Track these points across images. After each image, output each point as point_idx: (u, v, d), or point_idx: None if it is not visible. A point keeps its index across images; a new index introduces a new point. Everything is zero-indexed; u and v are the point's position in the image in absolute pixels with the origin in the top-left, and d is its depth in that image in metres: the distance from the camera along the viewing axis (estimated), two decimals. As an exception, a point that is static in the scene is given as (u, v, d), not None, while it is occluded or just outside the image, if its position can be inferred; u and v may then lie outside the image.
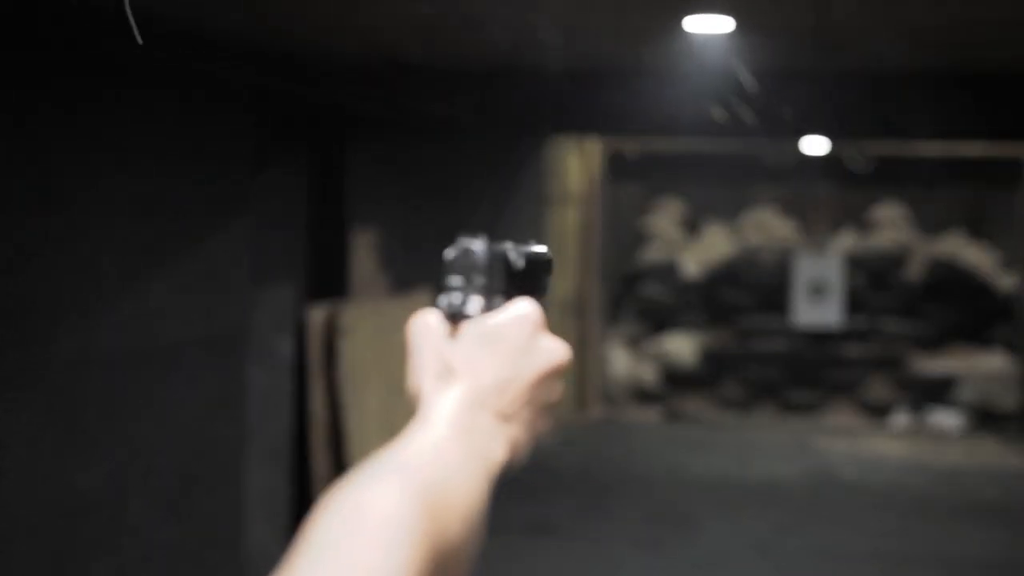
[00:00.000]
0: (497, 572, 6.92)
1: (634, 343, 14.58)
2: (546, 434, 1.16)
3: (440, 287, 1.14)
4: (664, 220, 15.20)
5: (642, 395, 14.07)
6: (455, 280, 1.14)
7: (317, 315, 5.80)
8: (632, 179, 14.61)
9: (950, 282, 13.89)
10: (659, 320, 14.66)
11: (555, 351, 1.15)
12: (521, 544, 7.59)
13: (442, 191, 6.94)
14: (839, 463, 11.06)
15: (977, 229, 14.71)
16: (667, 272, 14.72)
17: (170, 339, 4.91)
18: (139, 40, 2.87)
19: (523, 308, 1.14)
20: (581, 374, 13.48)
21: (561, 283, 12.42)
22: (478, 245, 1.15)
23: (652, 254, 15.05)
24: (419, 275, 7.20)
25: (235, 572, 5.47)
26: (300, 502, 5.72)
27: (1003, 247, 14.24)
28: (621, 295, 14.89)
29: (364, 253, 6.57)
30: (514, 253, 1.19)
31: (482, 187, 8.44)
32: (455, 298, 1.13)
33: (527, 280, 1.21)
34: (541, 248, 1.24)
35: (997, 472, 10.88)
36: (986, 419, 13.03)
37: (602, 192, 13.82)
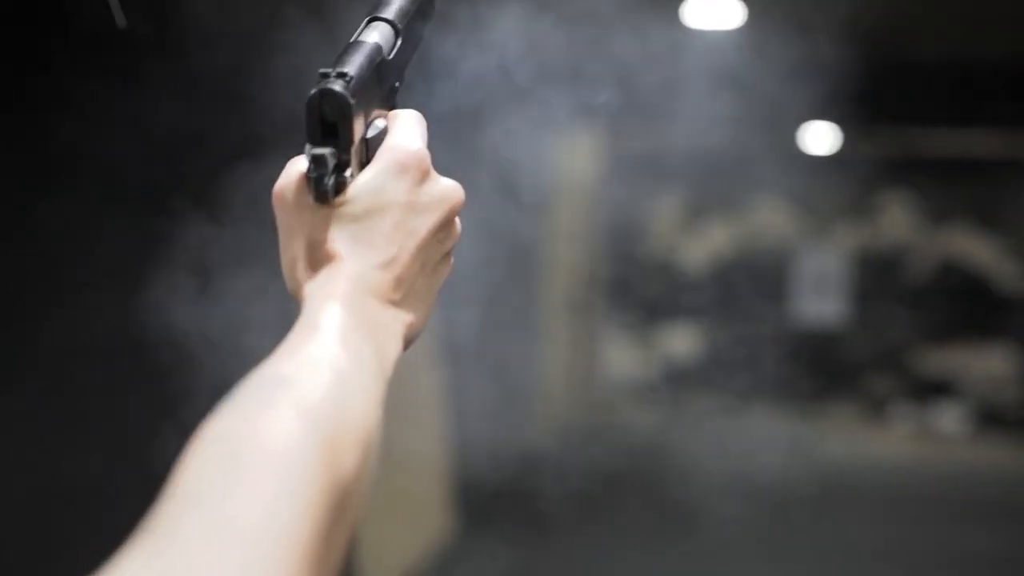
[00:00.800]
0: (496, 571, 6.88)
1: (634, 338, 14.54)
2: (446, 279, 1.02)
3: (307, 148, 0.97)
4: (664, 214, 15.16)
5: (642, 391, 14.03)
6: (320, 148, 0.95)
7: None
8: (633, 172, 14.56)
9: (955, 278, 13.86)
10: (659, 315, 14.62)
11: (443, 198, 1.01)
12: (520, 542, 7.55)
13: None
14: (841, 460, 11.03)
15: (983, 221, 14.67)
16: (667, 266, 14.68)
17: (162, 327, 4.86)
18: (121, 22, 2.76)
19: (401, 156, 0.99)
20: (579, 370, 13.44)
21: (559, 278, 12.38)
22: (340, 87, 0.95)
23: (652, 248, 15.01)
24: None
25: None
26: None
27: (1009, 238, 14.19)
28: (621, 290, 14.85)
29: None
30: (387, 35, 1.04)
31: (479, 179, 8.38)
32: (324, 174, 0.95)
33: (408, 37, 1.07)
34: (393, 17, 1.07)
35: (1000, 470, 10.85)
36: (990, 416, 12.99)
37: (601, 185, 13.78)
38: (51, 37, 3.97)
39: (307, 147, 0.97)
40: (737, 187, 15.04)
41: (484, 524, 7.77)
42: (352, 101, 0.96)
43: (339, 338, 0.90)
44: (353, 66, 0.99)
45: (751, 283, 14.30)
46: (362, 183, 0.98)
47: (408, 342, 1.01)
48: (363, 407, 0.86)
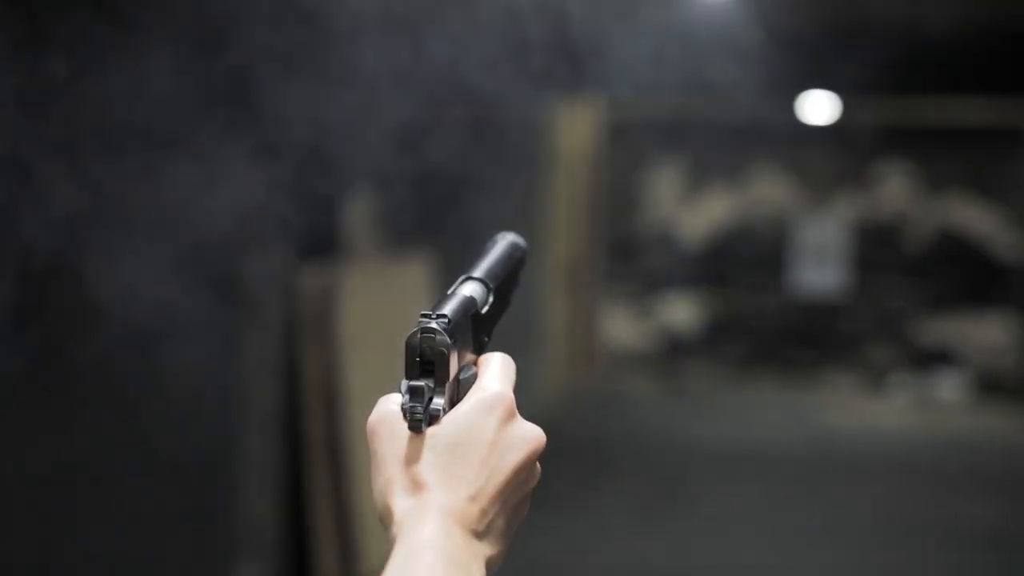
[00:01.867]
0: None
1: (634, 308, 14.57)
2: (523, 522, 1.12)
3: (404, 382, 1.08)
4: (664, 184, 15.17)
5: (641, 361, 14.06)
6: (417, 381, 1.07)
7: (311, 276, 5.75)
8: (632, 143, 14.57)
9: (953, 247, 13.88)
10: (658, 285, 14.65)
11: (527, 439, 1.10)
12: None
13: (440, 151, 6.91)
14: (839, 430, 11.06)
15: (981, 190, 14.69)
16: (667, 237, 14.70)
17: (161, 300, 4.87)
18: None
19: (490, 397, 1.08)
20: (579, 341, 13.45)
21: (559, 248, 12.39)
22: (440, 328, 1.08)
23: (652, 219, 15.03)
24: (415, 236, 7.16)
25: (227, 535, 5.45)
26: (294, 466, 5.70)
27: (1007, 207, 14.21)
28: (621, 260, 14.87)
29: (359, 213, 6.52)
30: (479, 294, 1.15)
31: (479, 147, 8.39)
32: (418, 406, 1.05)
33: (499, 302, 1.19)
34: (508, 247, 1.22)
35: (999, 439, 10.89)
36: (988, 384, 13.03)
37: (602, 156, 13.78)
38: None
39: (403, 381, 1.07)
40: (736, 158, 15.06)
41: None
42: (449, 341, 1.07)
43: (442, 570, 0.99)
44: (450, 311, 1.11)
45: (750, 253, 14.33)
46: (453, 418, 1.07)
47: (489, 573, 1.07)
48: None
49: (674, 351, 14.06)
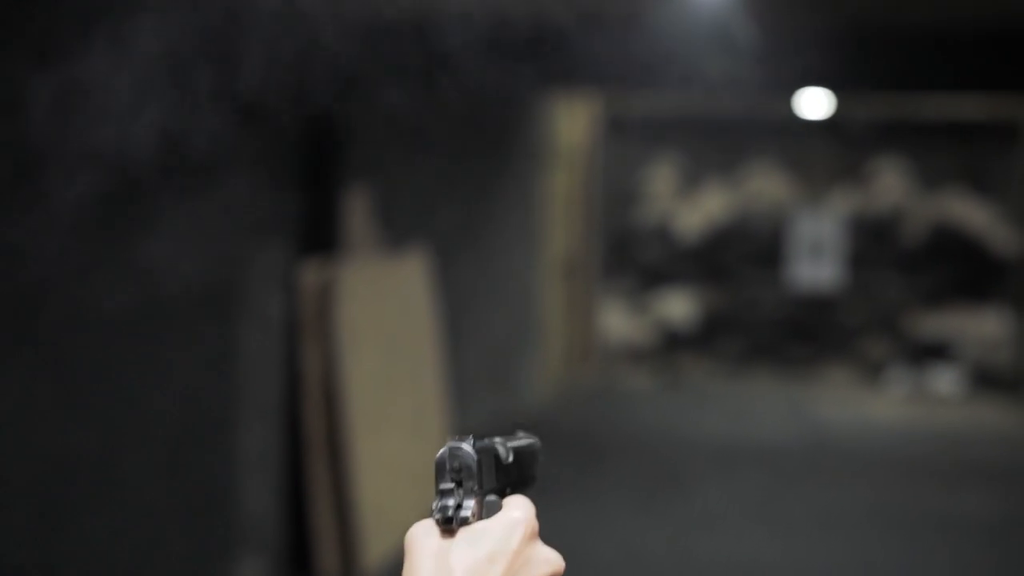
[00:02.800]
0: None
1: (631, 303, 14.60)
2: None
3: (434, 491, 1.17)
4: (660, 179, 15.19)
5: (638, 355, 14.09)
6: (447, 484, 1.16)
7: (309, 272, 5.78)
8: (628, 138, 14.59)
9: (948, 242, 13.91)
10: (655, 280, 14.68)
11: (549, 561, 1.18)
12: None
13: (437, 147, 6.93)
14: (835, 423, 11.10)
15: (976, 185, 14.72)
16: (664, 232, 14.73)
17: (162, 296, 4.90)
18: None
19: (516, 515, 1.17)
20: (577, 335, 13.48)
21: (557, 243, 12.42)
22: (466, 447, 1.17)
23: (649, 214, 15.06)
24: (412, 232, 7.18)
25: (227, 529, 5.48)
26: (293, 459, 5.72)
27: (1002, 202, 14.24)
28: (618, 255, 14.89)
29: (357, 209, 6.54)
30: (503, 449, 1.22)
31: (477, 145, 8.42)
32: (449, 504, 1.15)
33: (517, 471, 1.25)
34: (529, 439, 1.29)
35: (993, 432, 10.92)
36: (983, 379, 13.07)
37: (599, 151, 13.81)
38: None
39: (435, 492, 1.17)
40: (733, 154, 15.09)
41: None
42: (475, 456, 1.17)
43: None
44: (474, 439, 1.19)
45: (746, 248, 14.35)
46: (482, 525, 1.15)
47: None
48: None
49: (671, 345, 14.09)
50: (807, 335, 13.92)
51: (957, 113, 12.70)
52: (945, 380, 12.99)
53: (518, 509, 1.16)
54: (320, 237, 6.16)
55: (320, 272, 5.83)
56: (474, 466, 1.17)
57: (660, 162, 15.20)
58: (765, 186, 14.78)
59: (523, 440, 1.28)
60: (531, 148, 11.38)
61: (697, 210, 15.03)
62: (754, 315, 14.08)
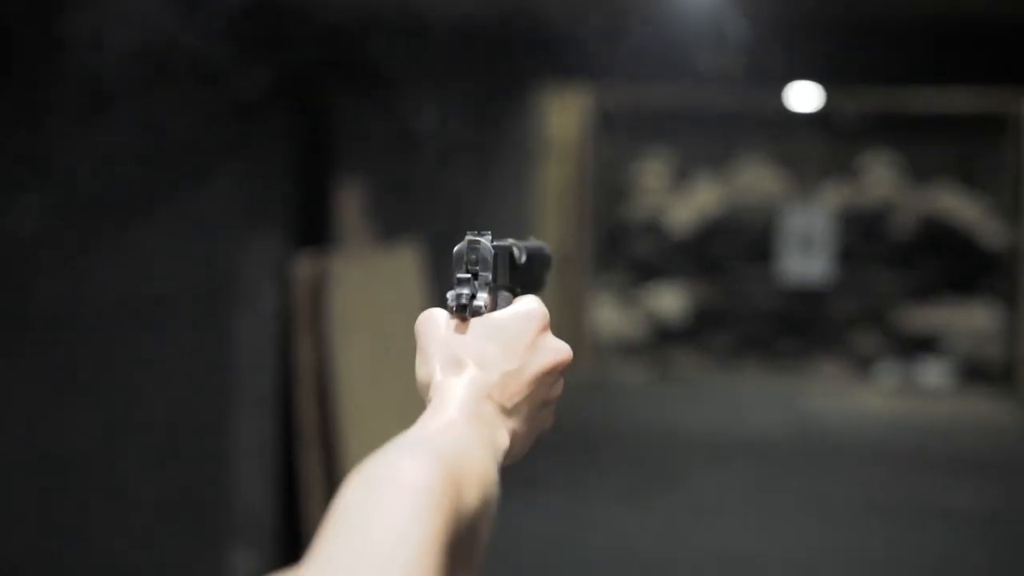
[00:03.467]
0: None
1: (622, 297, 14.62)
2: (547, 429, 1.24)
3: (450, 282, 1.21)
4: (652, 173, 15.21)
5: (630, 349, 14.12)
6: (464, 275, 1.20)
7: (303, 264, 5.80)
8: (620, 132, 14.61)
9: (938, 235, 13.94)
10: (647, 274, 14.70)
11: (558, 350, 1.22)
12: (508, 498, 7.63)
13: (430, 142, 6.95)
14: (826, 417, 11.13)
15: (966, 178, 14.75)
16: (655, 226, 14.75)
17: (157, 289, 4.91)
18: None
19: (529, 306, 1.21)
20: (569, 328, 13.49)
21: (549, 237, 12.43)
22: (484, 241, 1.21)
23: (640, 208, 15.07)
24: (405, 226, 7.20)
25: (223, 520, 5.50)
26: (287, 451, 5.74)
27: (992, 195, 14.28)
28: (609, 249, 14.91)
29: (350, 203, 6.56)
30: (517, 249, 1.26)
31: (470, 138, 8.44)
32: (464, 292, 1.19)
33: (528, 274, 1.29)
34: (541, 244, 1.34)
35: (983, 425, 10.96)
36: (973, 372, 13.11)
37: (590, 145, 13.82)
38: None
39: (453, 279, 1.21)
40: (723, 148, 15.11)
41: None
42: (493, 251, 1.21)
43: (463, 419, 1.10)
44: (492, 236, 1.24)
45: (737, 242, 14.38)
46: (495, 315, 1.20)
47: (513, 447, 1.18)
48: (482, 464, 1.05)
49: (662, 339, 14.12)
50: (797, 328, 13.96)
51: (947, 107, 12.73)
52: (934, 373, 13.03)
53: (530, 303, 1.20)
54: (313, 230, 6.18)
55: (313, 265, 5.86)
56: (491, 259, 1.21)
57: (651, 156, 15.22)
58: (755, 180, 14.80)
59: (536, 244, 1.32)
60: (523, 142, 11.40)
61: (688, 204, 15.05)
62: (745, 309, 14.11)
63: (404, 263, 6.77)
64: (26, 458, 4.18)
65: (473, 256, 1.20)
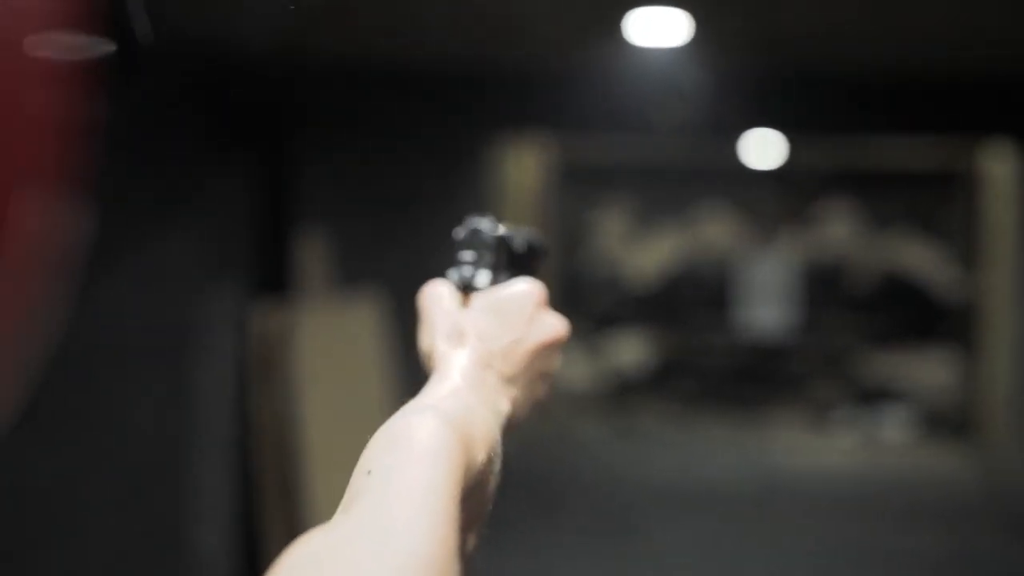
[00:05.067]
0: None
1: (581, 348, 14.64)
2: (547, 400, 1.31)
3: (453, 261, 1.28)
4: (610, 224, 15.28)
5: (590, 400, 14.13)
6: (466, 255, 1.27)
7: (263, 314, 5.81)
8: (578, 184, 14.68)
9: (896, 286, 14.04)
10: (606, 325, 14.73)
11: (555, 325, 1.30)
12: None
13: (391, 191, 6.99)
14: (785, 467, 11.16)
15: (923, 229, 14.89)
16: (613, 277, 14.80)
17: (116, 337, 4.91)
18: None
19: (527, 284, 1.28)
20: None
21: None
22: (486, 225, 1.27)
23: (598, 259, 15.13)
24: (366, 275, 7.21)
25: (181, 567, 5.48)
26: (244, 499, 5.74)
27: (949, 246, 14.40)
28: (568, 300, 14.94)
29: (310, 252, 6.58)
30: (518, 237, 1.32)
31: (431, 188, 8.47)
32: (466, 271, 1.26)
33: (524, 263, 1.34)
34: (538, 236, 1.40)
35: (941, 476, 11.00)
36: (931, 421, 13.17)
37: (548, 197, 13.87)
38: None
39: (457, 257, 1.28)
40: (682, 199, 15.20)
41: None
42: (495, 236, 1.28)
43: (467, 387, 1.16)
44: (492, 219, 1.31)
45: (697, 293, 14.44)
46: (495, 291, 1.27)
47: (514, 415, 1.25)
48: (486, 426, 1.12)
49: (623, 390, 14.14)
50: (757, 379, 14.00)
51: (903, 160, 12.85)
52: (894, 423, 13.09)
53: (528, 281, 1.27)
54: (273, 279, 6.19)
55: (273, 315, 5.87)
56: (493, 243, 1.28)
57: (610, 207, 15.29)
58: (714, 231, 14.89)
59: (533, 235, 1.37)
60: (485, 192, 11.44)
61: (647, 255, 15.12)
62: (705, 360, 14.15)
63: (364, 313, 6.78)
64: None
65: (477, 239, 1.27)
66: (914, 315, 13.96)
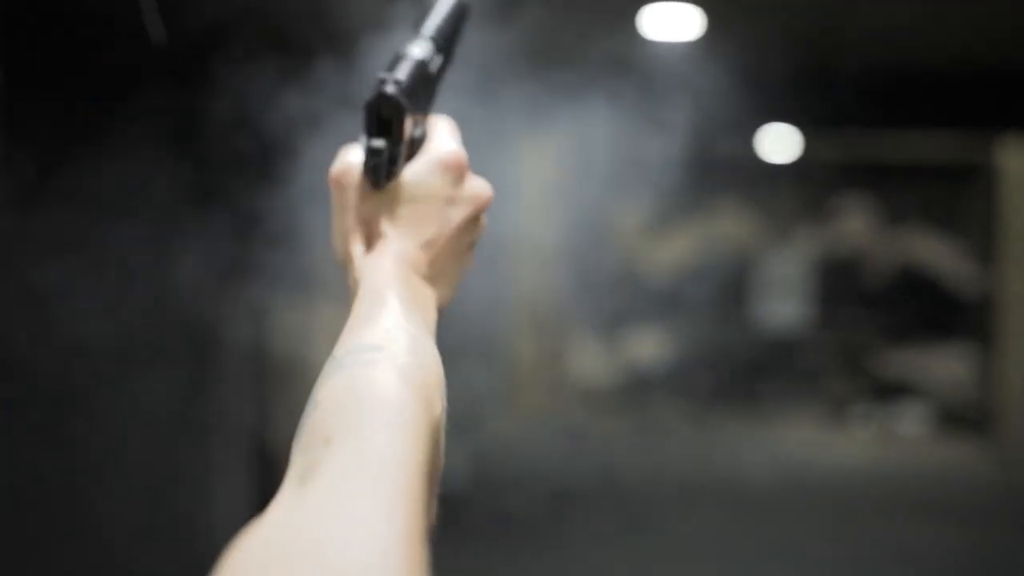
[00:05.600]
0: (464, 572, 6.96)
1: (599, 345, 14.65)
2: (468, 271, 1.21)
3: (363, 140, 1.13)
4: (628, 220, 15.26)
5: (607, 396, 14.13)
6: (377, 141, 1.12)
7: (282, 314, 5.87)
8: (595, 180, 14.64)
9: (914, 280, 14.01)
10: (624, 322, 14.73)
11: (477, 196, 1.18)
12: (487, 543, 7.63)
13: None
14: (801, 461, 11.16)
15: (941, 223, 14.85)
16: (631, 273, 14.79)
17: (139, 330, 4.97)
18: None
19: (442, 154, 1.16)
20: (550, 376, 13.51)
21: (525, 285, 12.47)
22: (395, 90, 1.12)
23: (616, 255, 15.11)
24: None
25: (197, 561, 5.51)
26: (263, 493, 5.76)
27: (967, 240, 14.37)
28: (586, 297, 14.94)
29: (328, 256, 6.61)
30: (429, 51, 1.19)
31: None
32: (376, 158, 1.11)
33: (443, 63, 1.22)
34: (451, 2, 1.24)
35: (958, 470, 11.00)
36: (948, 416, 13.16)
37: (566, 193, 13.85)
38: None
39: (363, 139, 1.13)
40: (698, 194, 15.17)
41: (451, 525, 7.86)
42: (405, 103, 1.12)
43: (403, 310, 1.06)
44: (405, 75, 1.16)
45: (713, 288, 14.42)
46: (410, 175, 1.15)
47: (438, 316, 1.16)
48: (434, 360, 1.02)
49: (638, 385, 14.14)
50: (774, 374, 14.00)
51: (921, 153, 12.82)
52: (910, 418, 13.08)
53: (443, 145, 1.15)
54: (294, 280, 6.25)
55: (293, 314, 5.91)
56: (403, 115, 1.12)
57: (628, 202, 15.28)
58: (731, 227, 14.88)
59: (450, 14, 1.24)
60: (511, 189, 11.44)
61: (665, 251, 15.11)
62: (721, 355, 14.15)
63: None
64: (10, 490, 4.22)
65: (386, 114, 1.11)
66: (931, 310, 13.94)
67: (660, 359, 14.25)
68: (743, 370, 14.04)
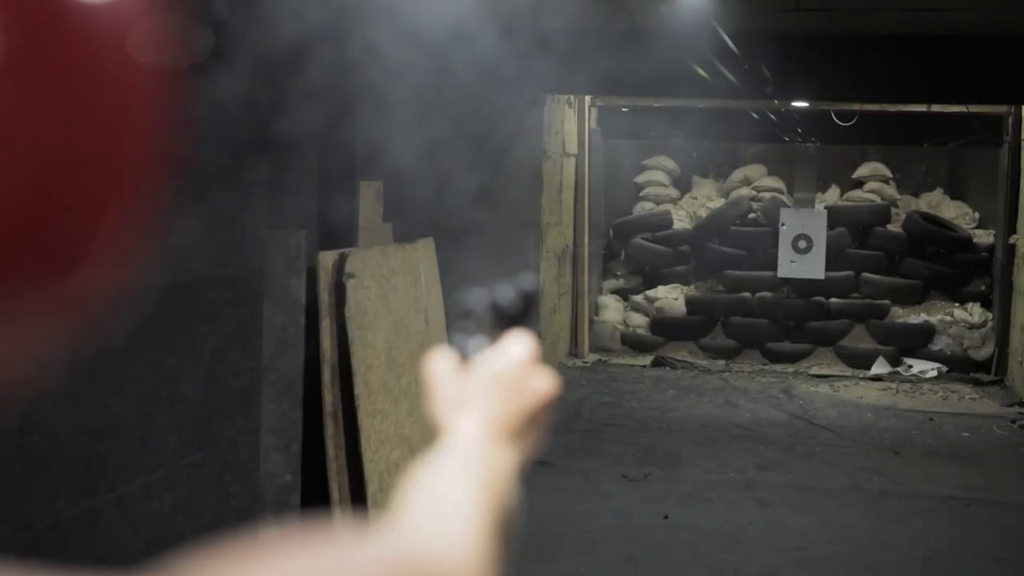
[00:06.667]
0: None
1: (626, 293, 14.85)
2: (537, 447, 1.39)
3: (453, 331, 1.38)
4: (656, 174, 15.46)
5: (633, 343, 14.35)
6: (463, 325, 1.36)
7: (327, 259, 6.07)
8: (626, 134, 14.85)
9: (931, 237, 14.11)
10: (650, 271, 14.93)
11: (543, 387, 1.36)
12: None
13: (443, 147, 7.18)
14: (820, 407, 11.42)
15: (956, 187, 15.06)
16: (659, 225, 14.94)
17: (193, 276, 5.23)
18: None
19: (519, 350, 1.35)
20: (575, 322, 13.78)
21: (554, 234, 12.69)
22: (476, 299, 1.36)
23: (644, 207, 15.31)
24: (420, 227, 7.47)
25: (251, 493, 5.77)
26: (310, 431, 5.98)
27: (981, 205, 14.57)
28: (614, 247, 15.16)
29: (370, 204, 6.83)
30: (507, 295, 1.40)
31: (482, 142, 8.70)
32: (465, 342, 1.35)
33: (518, 314, 1.42)
34: (530, 282, 1.45)
35: (970, 417, 11.21)
36: (962, 368, 13.34)
37: (596, 147, 14.06)
38: None
39: (458, 323, 1.38)
40: (725, 150, 15.38)
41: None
42: (486, 310, 1.37)
43: (479, 449, 1.28)
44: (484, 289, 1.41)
45: (737, 242, 14.56)
46: (493, 359, 1.35)
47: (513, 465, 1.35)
48: (500, 475, 1.26)
49: (664, 334, 14.30)
50: (794, 326, 14.14)
51: (944, 120, 12.99)
52: (925, 369, 13.24)
53: (518, 343, 1.35)
54: (337, 228, 6.51)
55: (336, 259, 6.16)
56: (484, 313, 1.35)
57: (655, 157, 15.49)
58: (756, 181, 15.06)
59: (525, 284, 1.43)
60: (534, 145, 11.64)
61: (691, 204, 15.31)
62: (744, 306, 14.29)
63: (420, 258, 7.08)
64: (75, 427, 4.43)
65: (470, 311, 1.35)
66: (948, 265, 14.06)
67: (684, 311, 14.37)
68: (767, 320, 14.15)
